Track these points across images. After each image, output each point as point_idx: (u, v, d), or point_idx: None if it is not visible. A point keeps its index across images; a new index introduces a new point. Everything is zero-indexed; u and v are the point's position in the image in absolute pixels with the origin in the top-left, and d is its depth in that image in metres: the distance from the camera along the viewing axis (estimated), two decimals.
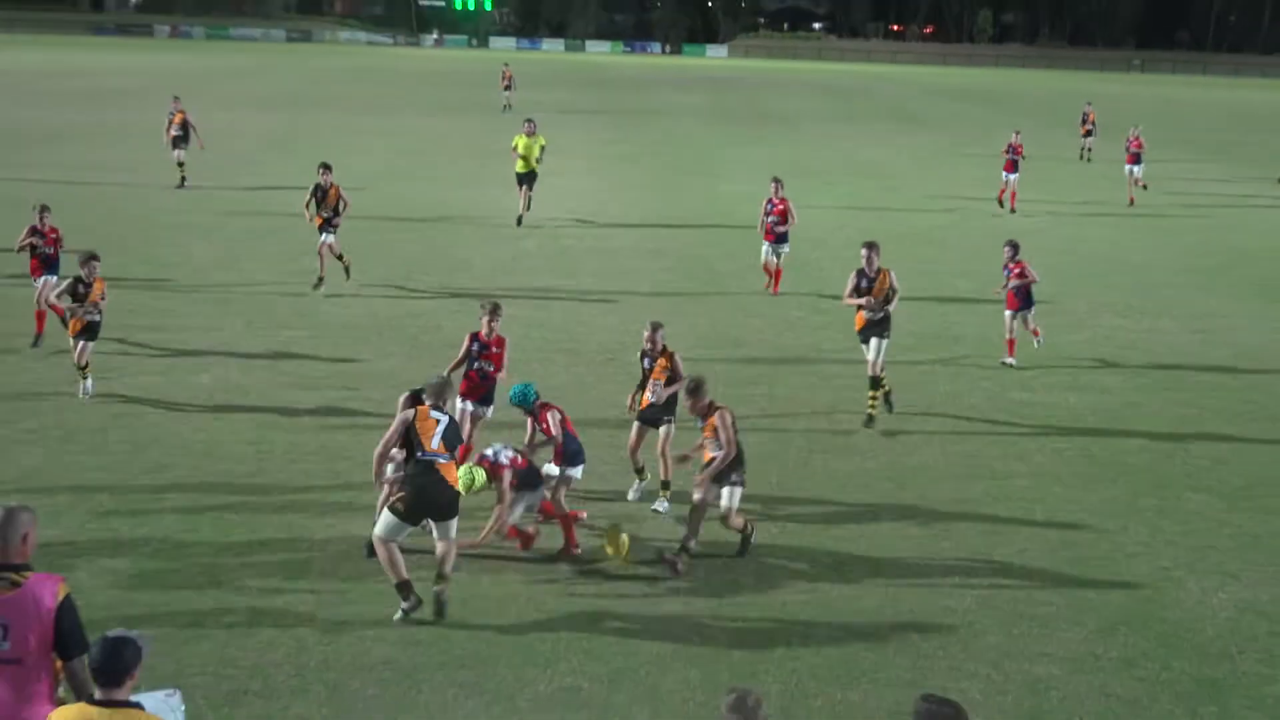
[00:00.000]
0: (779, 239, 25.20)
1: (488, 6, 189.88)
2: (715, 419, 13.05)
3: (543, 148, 32.40)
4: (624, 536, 12.96)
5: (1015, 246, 20.79)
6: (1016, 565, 13.20)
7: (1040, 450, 16.88)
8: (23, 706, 7.08)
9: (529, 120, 33.13)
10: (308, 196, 24.45)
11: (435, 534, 11.56)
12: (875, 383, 17.53)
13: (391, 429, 11.68)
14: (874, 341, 17.52)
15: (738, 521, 12.98)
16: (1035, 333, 20.55)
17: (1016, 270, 20.48)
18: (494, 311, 14.98)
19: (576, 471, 13.64)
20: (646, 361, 14.87)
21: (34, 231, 19.85)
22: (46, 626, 7.10)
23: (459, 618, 11.54)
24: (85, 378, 17.27)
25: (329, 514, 13.77)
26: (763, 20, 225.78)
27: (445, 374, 13.12)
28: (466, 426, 14.54)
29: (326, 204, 24.13)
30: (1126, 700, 10.62)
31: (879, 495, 15.07)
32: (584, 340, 21.55)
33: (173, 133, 36.93)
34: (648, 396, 14.66)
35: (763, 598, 12.26)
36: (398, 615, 11.31)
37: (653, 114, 68.67)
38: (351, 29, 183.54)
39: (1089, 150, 51.54)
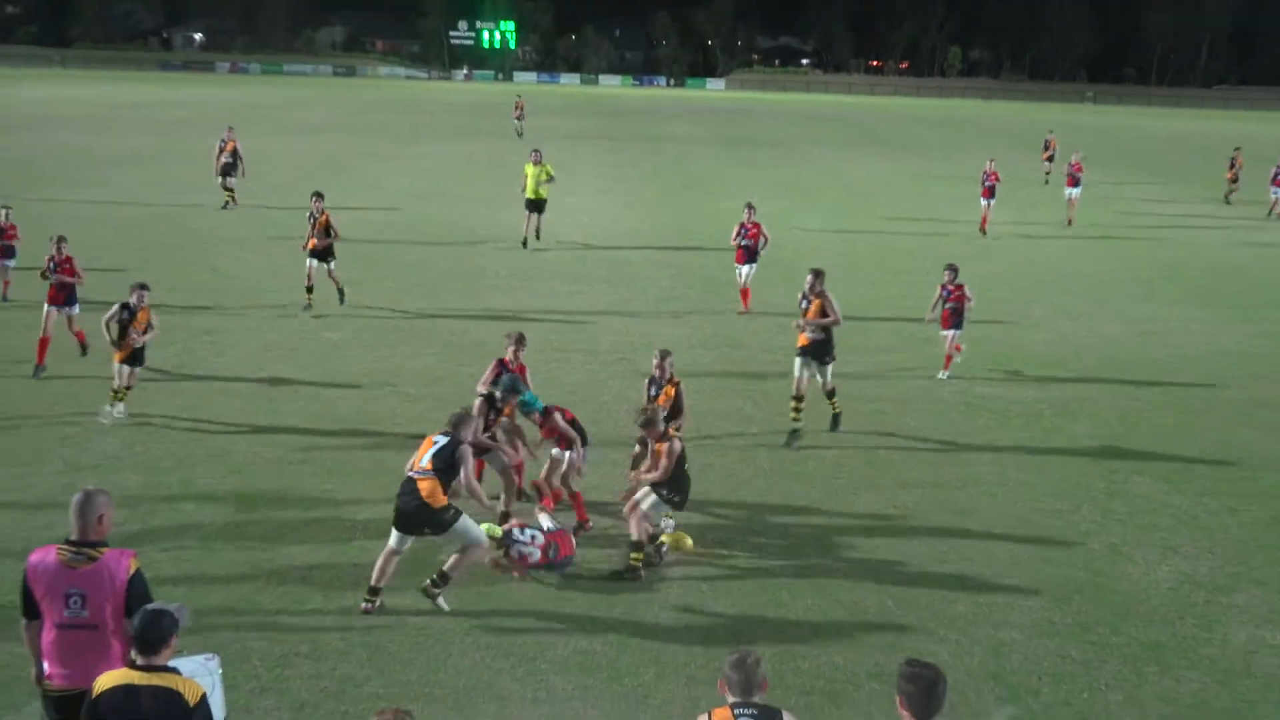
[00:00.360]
0: (750, 259, 24.08)
1: (512, 45, 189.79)
2: (664, 446, 12.22)
3: (550, 175, 31.17)
4: (687, 540, 12.86)
5: (955, 270, 19.85)
6: (982, 542, 13.20)
7: (1003, 438, 16.88)
8: (99, 665, 7.14)
9: (535, 150, 32.05)
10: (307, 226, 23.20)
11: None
12: (830, 394, 16.68)
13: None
14: (814, 365, 16.44)
15: (635, 523, 12.13)
16: (958, 347, 19.92)
17: (956, 293, 19.54)
18: (519, 341, 14.29)
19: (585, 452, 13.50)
20: (654, 389, 14.07)
21: (50, 261, 18.60)
22: (119, 596, 7.22)
23: (486, 591, 11.59)
24: (120, 400, 16.29)
25: (371, 494, 13.78)
26: (756, 56, 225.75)
27: (475, 404, 13.01)
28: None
29: (317, 230, 22.78)
30: (1080, 661, 10.63)
31: (861, 480, 15.07)
32: (597, 341, 21.55)
33: (224, 160, 36.16)
34: None
35: (755, 573, 12.28)
36: (361, 606, 11.12)
37: (659, 140, 68.60)
38: (391, 65, 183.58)
39: (1049, 174, 51.21)
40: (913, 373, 20.17)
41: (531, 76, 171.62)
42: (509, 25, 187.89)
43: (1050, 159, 51.65)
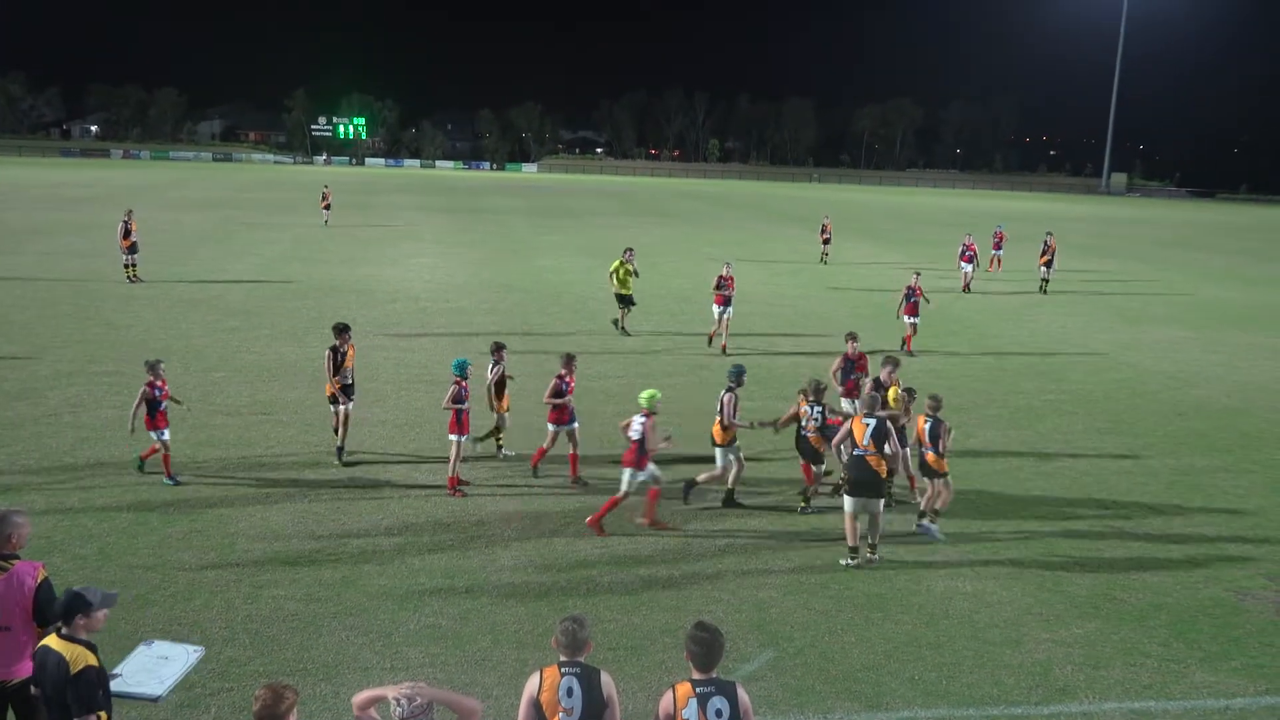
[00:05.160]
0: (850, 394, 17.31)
1: (363, 136, 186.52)
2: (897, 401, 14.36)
3: (634, 273, 26.83)
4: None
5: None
6: (743, 519, 13.38)
7: (753, 440, 17.11)
8: (11, 662, 6.85)
9: (629, 249, 27.63)
10: None
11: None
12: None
13: (845, 427, 12.35)
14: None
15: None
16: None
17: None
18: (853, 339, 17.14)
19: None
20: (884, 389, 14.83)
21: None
22: (28, 601, 6.87)
23: (349, 580, 11.18)
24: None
25: (250, 504, 13.17)
26: (561, 146, 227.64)
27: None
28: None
29: None
30: (822, 611, 10.88)
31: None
32: (437, 372, 21.12)
33: (131, 240, 31.45)
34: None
35: (569, 554, 12.19)
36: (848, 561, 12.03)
37: (485, 212, 67.98)
38: (262, 151, 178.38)
39: (826, 256, 45.92)
40: (699, 387, 20.30)
41: (380, 161, 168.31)
42: (360, 120, 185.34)
43: (827, 241, 46.27)
